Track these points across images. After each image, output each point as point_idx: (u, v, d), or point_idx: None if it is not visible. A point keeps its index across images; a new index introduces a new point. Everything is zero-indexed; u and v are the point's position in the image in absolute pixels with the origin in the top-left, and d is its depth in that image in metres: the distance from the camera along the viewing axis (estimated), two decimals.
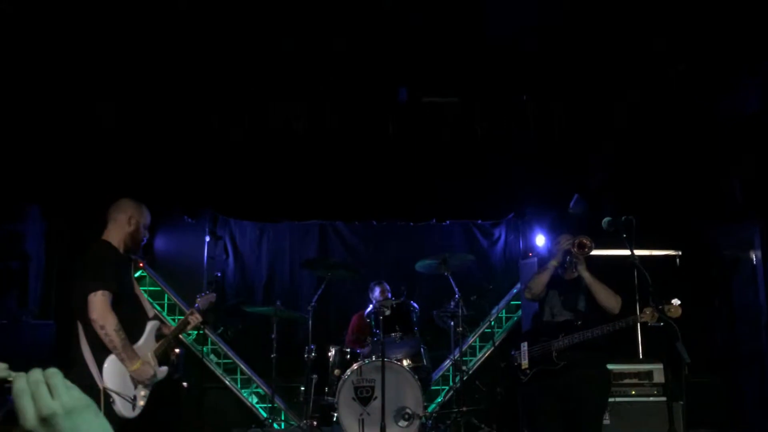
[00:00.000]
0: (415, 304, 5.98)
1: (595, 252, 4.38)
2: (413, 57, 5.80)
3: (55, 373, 0.92)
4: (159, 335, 3.92)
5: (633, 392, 5.50)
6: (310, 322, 5.89)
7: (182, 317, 4.25)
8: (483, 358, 7.45)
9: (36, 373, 0.90)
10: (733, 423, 6.10)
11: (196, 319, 4.14)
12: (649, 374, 5.54)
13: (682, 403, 5.17)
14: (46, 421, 0.87)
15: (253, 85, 6.24)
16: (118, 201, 3.96)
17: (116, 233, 3.85)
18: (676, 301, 3.96)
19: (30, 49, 5.23)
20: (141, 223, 3.93)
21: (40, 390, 0.89)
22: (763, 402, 6.16)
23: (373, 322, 5.78)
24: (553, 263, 4.46)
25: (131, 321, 3.69)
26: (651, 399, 5.45)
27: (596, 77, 6.10)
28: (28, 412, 0.87)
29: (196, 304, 4.26)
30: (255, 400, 7.18)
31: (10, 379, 0.90)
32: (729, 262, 6.74)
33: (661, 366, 5.51)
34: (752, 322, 6.37)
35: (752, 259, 6.42)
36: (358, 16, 5.22)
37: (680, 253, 6.44)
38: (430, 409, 6.63)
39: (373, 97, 6.45)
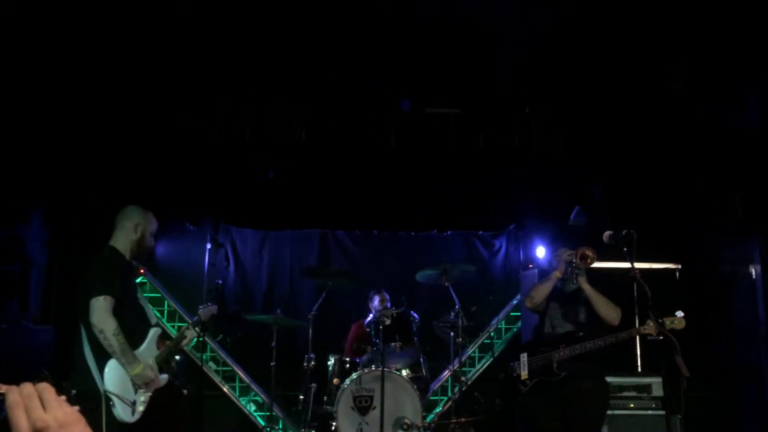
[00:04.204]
0: (415, 314, 5.99)
1: (593, 264, 4.41)
2: (417, 68, 5.84)
3: (47, 388, 0.94)
4: (161, 343, 3.93)
5: (631, 405, 5.50)
6: (310, 330, 5.89)
7: (182, 324, 4.25)
8: (482, 369, 7.45)
9: (28, 387, 0.93)
10: None
11: (191, 335, 4.12)
12: (647, 387, 5.55)
13: (680, 416, 5.18)
14: None
15: (255, 93, 6.28)
16: (125, 208, 3.95)
17: (123, 240, 3.87)
18: (679, 313, 3.97)
19: (32, 50, 5.25)
20: (147, 231, 3.93)
21: (33, 403, 0.91)
22: (761, 416, 6.16)
23: (372, 332, 5.78)
24: (557, 274, 4.49)
25: (133, 327, 3.70)
26: (649, 412, 5.46)
27: (599, 89, 6.14)
28: (22, 424, 0.89)
29: (195, 317, 4.26)
30: (253, 408, 7.17)
31: (2, 391, 0.92)
32: (728, 277, 6.75)
33: (659, 379, 5.52)
34: (751, 337, 6.37)
35: (752, 274, 6.43)
36: (363, 26, 5.26)
37: (680, 266, 6.46)
38: (428, 420, 6.63)
39: (376, 106, 6.49)
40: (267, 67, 5.84)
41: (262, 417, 7.05)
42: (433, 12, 5.09)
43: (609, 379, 4.56)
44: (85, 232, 5.76)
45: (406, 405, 5.43)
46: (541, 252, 7.29)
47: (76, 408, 0.96)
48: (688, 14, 5.01)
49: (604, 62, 5.68)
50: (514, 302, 7.59)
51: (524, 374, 4.42)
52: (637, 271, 3.86)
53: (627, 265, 3.99)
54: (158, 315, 7.14)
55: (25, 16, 4.85)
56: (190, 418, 6.44)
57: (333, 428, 5.44)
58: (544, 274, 6.37)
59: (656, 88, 6.00)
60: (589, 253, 4.36)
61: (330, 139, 6.53)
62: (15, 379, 1.02)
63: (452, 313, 6.04)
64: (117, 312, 3.59)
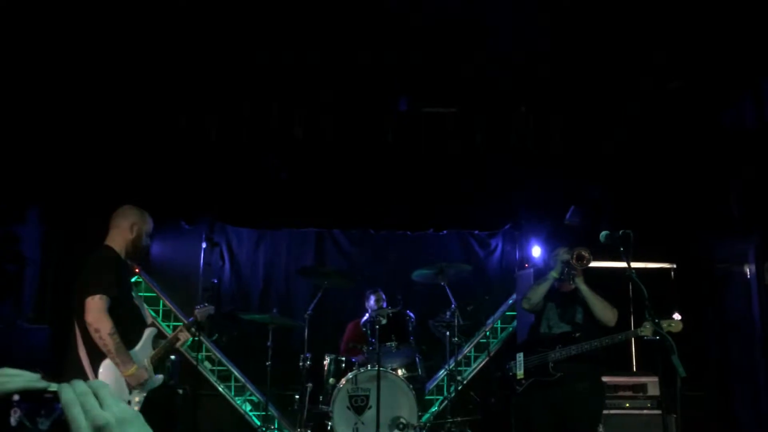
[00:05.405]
0: (411, 314, 5.98)
1: (591, 264, 4.41)
2: (414, 67, 5.83)
3: (104, 385, 0.94)
4: (156, 343, 3.92)
5: (627, 404, 5.51)
6: (306, 330, 5.88)
7: (177, 324, 4.24)
8: (478, 369, 7.45)
9: (81, 385, 0.92)
10: None
11: (185, 336, 4.11)
12: (643, 387, 5.56)
13: (676, 416, 5.19)
14: (99, 430, 0.88)
15: (252, 91, 6.26)
16: (122, 208, 3.95)
17: (118, 240, 3.86)
18: (676, 316, 3.98)
19: (31, 49, 5.23)
20: (143, 231, 3.93)
21: (89, 401, 0.90)
22: (757, 416, 6.18)
23: (368, 331, 5.78)
24: (553, 275, 4.49)
25: (129, 327, 3.69)
26: (645, 412, 5.46)
27: (596, 90, 6.14)
28: (81, 422, 0.89)
29: (191, 318, 4.24)
30: (249, 407, 7.16)
31: (51, 389, 0.91)
32: (723, 276, 6.77)
33: (655, 379, 5.53)
34: (745, 336, 6.39)
35: (746, 273, 6.45)
36: (362, 25, 5.25)
37: (675, 265, 6.47)
38: (424, 419, 6.63)
39: (373, 105, 6.48)
40: (265, 67, 5.82)
41: (257, 417, 7.04)
42: (432, 12, 5.08)
43: (604, 378, 4.57)
44: (81, 231, 5.74)
45: (402, 404, 5.42)
46: (536, 251, 7.29)
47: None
48: (688, 14, 5.01)
49: (603, 62, 5.68)
50: (510, 302, 7.60)
51: (520, 374, 4.43)
52: (634, 272, 3.84)
53: (623, 264, 3.99)
54: (153, 314, 7.11)
55: (25, 15, 4.83)
56: (186, 418, 6.43)
57: (329, 428, 5.44)
58: (539, 273, 6.39)
59: (654, 87, 6.00)
60: (585, 253, 4.37)
61: (327, 138, 6.52)
62: None
63: (448, 313, 6.03)
64: (113, 311, 3.58)
